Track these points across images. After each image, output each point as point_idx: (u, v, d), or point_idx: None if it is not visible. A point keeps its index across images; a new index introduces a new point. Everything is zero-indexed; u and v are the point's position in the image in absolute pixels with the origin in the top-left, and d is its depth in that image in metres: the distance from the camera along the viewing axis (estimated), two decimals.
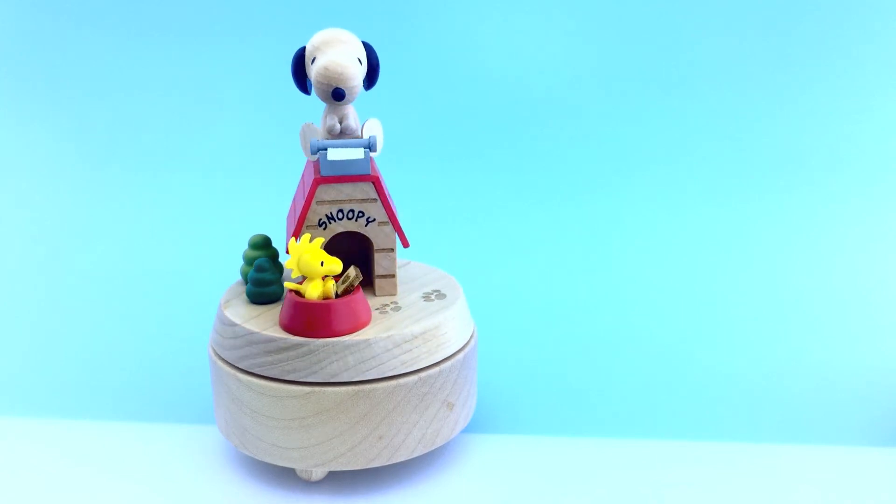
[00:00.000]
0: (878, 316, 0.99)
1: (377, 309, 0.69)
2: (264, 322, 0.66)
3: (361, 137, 0.71)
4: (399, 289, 0.73)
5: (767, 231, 1.17)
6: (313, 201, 0.69)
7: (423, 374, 0.65)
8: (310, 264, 0.63)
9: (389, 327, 0.65)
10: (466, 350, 0.69)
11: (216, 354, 0.68)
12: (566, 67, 1.25)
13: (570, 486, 0.69)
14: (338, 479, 0.69)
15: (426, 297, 0.71)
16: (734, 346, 0.92)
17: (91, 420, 0.78)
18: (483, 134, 1.26)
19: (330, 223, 0.69)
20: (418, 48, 1.26)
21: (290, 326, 0.64)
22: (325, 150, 0.68)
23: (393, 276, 0.71)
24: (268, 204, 1.18)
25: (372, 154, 0.70)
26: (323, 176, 0.68)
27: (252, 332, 0.65)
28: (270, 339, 0.64)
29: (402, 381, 0.64)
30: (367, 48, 0.71)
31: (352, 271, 0.66)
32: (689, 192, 1.22)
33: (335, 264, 0.64)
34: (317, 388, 0.63)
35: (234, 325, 0.66)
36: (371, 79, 0.72)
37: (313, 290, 0.64)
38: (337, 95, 0.67)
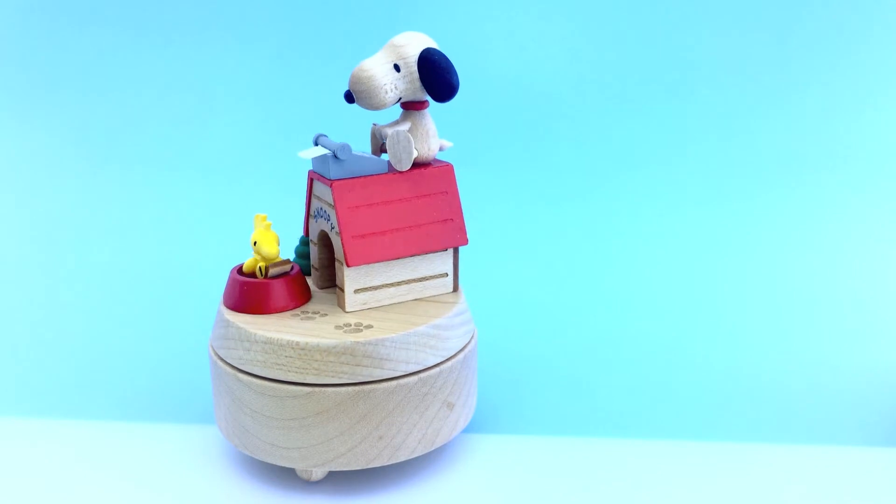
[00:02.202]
0: (878, 316, 0.99)
1: (303, 311, 0.68)
2: None
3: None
4: (363, 309, 0.68)
5: (768, 231, 1.17)
6: (312, 193, 0.70)
7: (423, 375, 0.65)
8: (252, 240, 0.68)
9: (254, 322, 0.65)
10: (466, 350, 0.69)
11: (216, 354, 0.68)
12: (567, 68, 1.25)
13: (570, 486, 0.69)
14: (338, 479, 0.69)
15: (341, 326, 0.65)
16: (734, 345, 0.92)
17: (91, 420, 0.78)
18: (483, 134, 1.26)
19: (318, 219, 0.70)
20: None
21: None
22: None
23: (341, 289, 0.68)
24: (268, 204, 1.19)
25: (394, 162, 0.67)
26: (312, 170, 0.70)
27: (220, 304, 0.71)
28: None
29: (402, 381, 0.64)
30: (424, 56, 0.64)
31: (284, 263, 0.69)
32: (688, 191, 1.22)
33: (268, 248, 0.67)
34: (317, 389, 0.63)
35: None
36: (431, 90, 0.65)
37: (247, 265, 0.69)
38: (345, 97, 0.66)
